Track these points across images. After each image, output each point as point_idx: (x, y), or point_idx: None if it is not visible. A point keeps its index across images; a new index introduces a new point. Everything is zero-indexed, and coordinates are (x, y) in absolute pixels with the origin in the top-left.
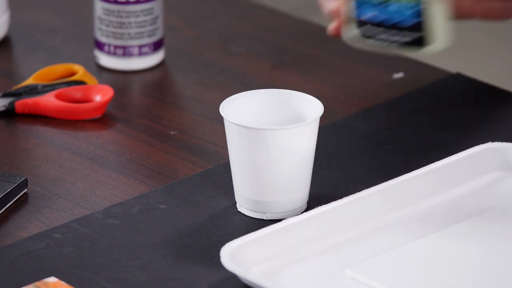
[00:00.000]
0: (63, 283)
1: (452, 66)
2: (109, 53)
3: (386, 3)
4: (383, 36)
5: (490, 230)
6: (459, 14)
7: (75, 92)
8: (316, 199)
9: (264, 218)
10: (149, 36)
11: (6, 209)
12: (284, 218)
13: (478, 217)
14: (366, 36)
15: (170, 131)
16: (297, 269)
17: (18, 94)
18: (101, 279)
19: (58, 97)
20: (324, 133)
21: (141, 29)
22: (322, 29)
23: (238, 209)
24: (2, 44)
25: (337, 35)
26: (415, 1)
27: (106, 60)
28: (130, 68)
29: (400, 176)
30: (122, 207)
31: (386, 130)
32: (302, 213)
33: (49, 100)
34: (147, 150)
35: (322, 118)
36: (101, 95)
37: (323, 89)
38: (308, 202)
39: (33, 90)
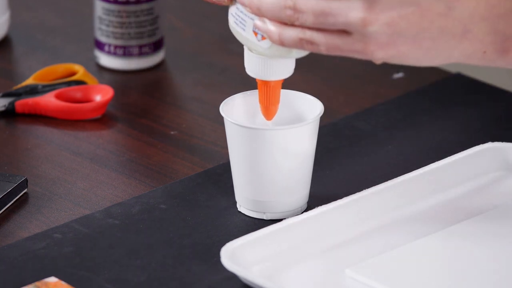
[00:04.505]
0: (63, 283)
1: (452, 66)
2: (109, 53)
3: None
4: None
5: (490, 230)
6: None
7: (75, 92)
8: (316, 199)
9: (264, 218)
10: (149, 36)
11: (6, 209)
12: (284, 218)
13: (478, 217)
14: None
15: (170, 131)
16: (297, 269)
17: (18, 94)
18: (101, 279)
19: (58, 97)
20: (324, 133)
21: (141, 29)
22: None
23: (238, 209)
24: (2, 44)
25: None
26: None
27: (106, 60)
28: (130, 68)
29: (400, 176)
30: (122, 207)
31: (386, 130)
32: (302, 213)
33: (49, 100)
34: (147, 150)
35: (322, 118)
36: (101, 95)
37: (323, 89)
38: (308, 202)
39: (33, 90)
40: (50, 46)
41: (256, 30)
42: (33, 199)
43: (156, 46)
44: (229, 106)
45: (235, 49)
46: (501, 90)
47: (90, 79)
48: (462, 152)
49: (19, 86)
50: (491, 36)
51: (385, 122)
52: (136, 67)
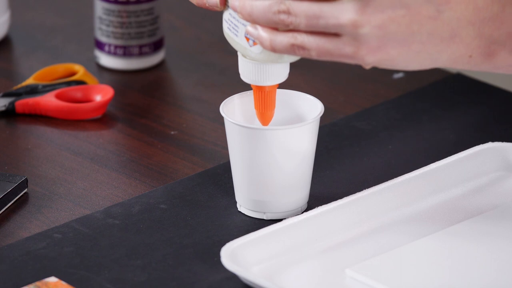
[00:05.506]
0: (63, 283)
1: None
2: (109, 53)
3: None
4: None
5: (490, 230)
6: None
7: (76, 92)
8: (316, 199)
9: (265, 218)
10: (149, 36)
11: (7, 209)
12: (284, 218)
13: (478, 217)
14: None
15: (170, 131)
16: (297, 269)
17: (18, 94)
18: (101, 279)
19: (58, 97)
20: (324, 133)
21: (141, 29)
22: None
23: (238, 209)
24: (2, 44)
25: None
26: None
27: (106, 60)
28: (130, 68)
29: (400, 176)
30: (122, 207)
31: (386, 130)
32: (302, 213)
33: (49, 100)
34: (147, 150)
35: (322, 118)
36: (101, 95)
37: (323, 89)
38: (308, 202)
39: (33, 90)
40: (50, 46)
41: (248, 36)
42: (33, 199)
43: (156, 46)
44: (229, 106)
45: (235, 49)
46: (501, 90)
47: (90, 79)
48: (462, 152)
49: (19, 86)
50: (477, 40)
51: (385, 122)
52: (136, 67)
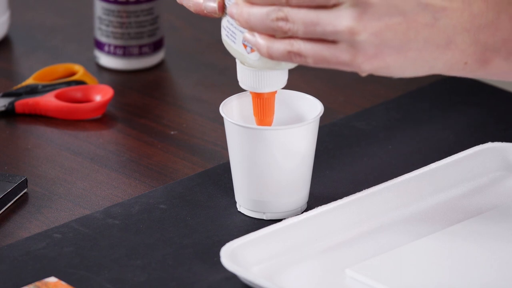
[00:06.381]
0: (63, 283)
1: None
2: (109, 53)
3: None
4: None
5: (490, 230)
6: None
7: (75, 92)
8: (316, 199)
9: (264, 218)
10: (149, 36)
11: (6, 209)
12: (284, 218)
13: (478, 217)
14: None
15: (170, 131)
16: (297, 269)
17: (18, 94)
18: (101, 279)
19: (58, 97)
20: (324, 133)
21: (141, 29)
22: None
23: (238, 209)
24: (2, 44)
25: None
26: None
27: (106, 60)
28: (130, 68)
29: (400, 176)
30: (122, 207)
31: (386, 130)
32: (302, 213)
33: (49, 100)
34: (147, 150)
35: (322, 118)
36: (101, 95)
37: (323, 89)
38: (308, 202)
39: (33, 90)
40: (50, 46)
41: (246, 43)
42: (33, 199)
43: (156, 46)
44: (228, 106)
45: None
46: (500, 90)
47: (90, 79)
48: (462, 152)
49: (19, 86)
50: (472, 47)
51: (385, 122)
52: (136, 67)
